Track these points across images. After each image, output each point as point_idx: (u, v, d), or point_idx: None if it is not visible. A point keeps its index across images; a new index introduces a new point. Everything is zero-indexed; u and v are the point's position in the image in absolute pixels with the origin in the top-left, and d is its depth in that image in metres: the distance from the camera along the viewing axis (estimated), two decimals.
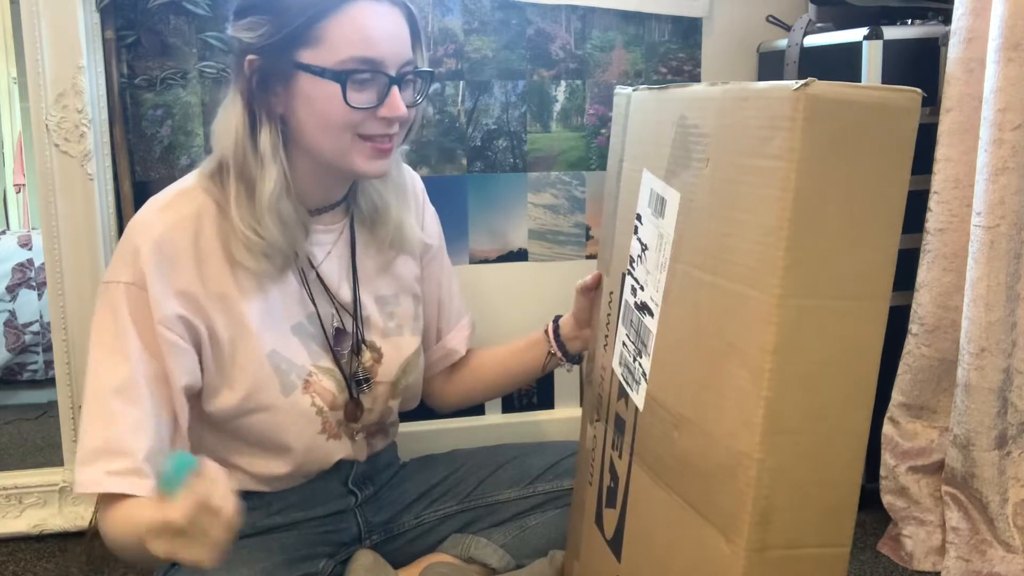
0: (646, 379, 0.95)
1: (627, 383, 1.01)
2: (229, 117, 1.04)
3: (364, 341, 1.16)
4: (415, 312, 1.24)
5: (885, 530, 1.51)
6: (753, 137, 0.78)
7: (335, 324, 1.14)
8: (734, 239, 0.81)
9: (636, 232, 1.00)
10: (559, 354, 1.26)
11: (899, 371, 1.49)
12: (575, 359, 1.27)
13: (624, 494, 1.02)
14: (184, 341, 1.02)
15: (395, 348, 1.20)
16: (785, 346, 0.76)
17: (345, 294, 1.15)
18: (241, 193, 1.02)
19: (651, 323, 0.94)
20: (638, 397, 0.97)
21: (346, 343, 1.15)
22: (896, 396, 1.50)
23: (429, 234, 1.26)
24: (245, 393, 1.06)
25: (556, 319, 1.26)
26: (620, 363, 1.03)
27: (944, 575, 1.39)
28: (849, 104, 0.74)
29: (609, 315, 1.09)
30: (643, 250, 0.97)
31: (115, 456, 0.97)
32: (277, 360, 1.07)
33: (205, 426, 1.09)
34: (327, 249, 1.13)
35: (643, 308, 0.97)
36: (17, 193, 2.41)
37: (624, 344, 1.03)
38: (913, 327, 1.47)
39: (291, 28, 0.98)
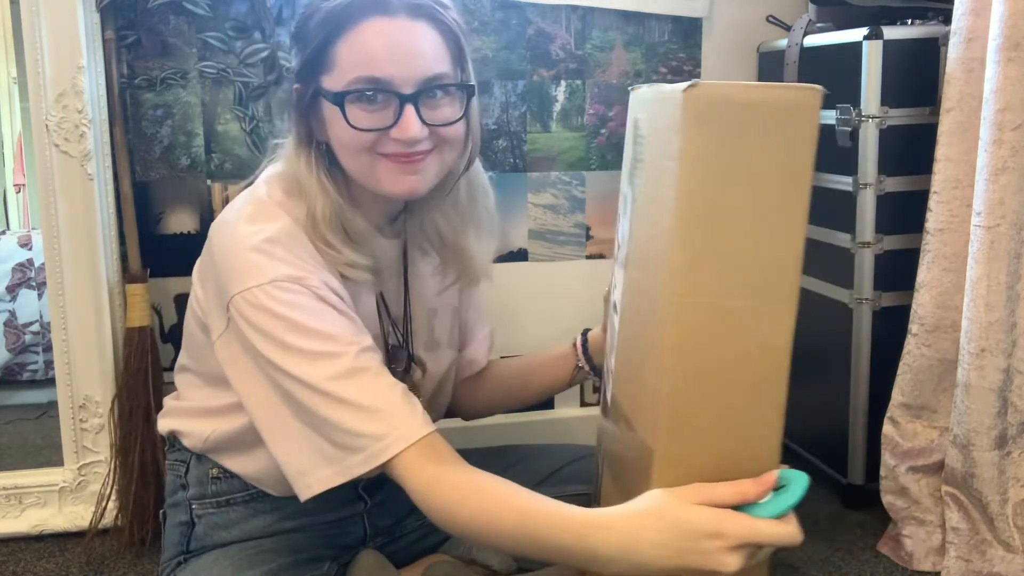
0: (612, 378, 0.98)
1: (606, 381, 1.03)
2: (290, 141, 1.03)
3: (413, 357, 1.15)
4: (452, 325, 1.24)
5: (885, 530, 1.51)
6: (664, 138, 0.80)
7: (391, 341, 1.13)
8: (654, 240, 0.82)
9: (618, 233, 1.03)
10: (587, 368, 1.24)
11: (899, 371, 1.49)
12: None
13: (599, 489, 1.05)
14: (348, 308, 0.98)
15: (435, 361, 1.19)
16: (685, 344, 0.77)
17: (397, 310, 1.14)
18: (313, 214, 1.00)
19: (617, 322, 0.96)
20: (609, 395, 1.00)
21: (401, 360, 1.14)
22: (896, 396, 1.50)
23: None
24: None
25: (584, 332, 1.25)
26: (607, 361, 1.07)
27: (944, 575, 1.39)
28: (737, 104, 0.75)
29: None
30: (617, 250, 1.00)
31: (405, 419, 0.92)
32: None
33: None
34: (386, 266, 1.12)
35: (616, 307, 0.99)
36: (17, 193, 2.41)
37: (608, 343, 1.05)
38: (913, 327, 1.47)
39: (310, 54, 0.98)
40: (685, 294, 0.77)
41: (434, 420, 1.18)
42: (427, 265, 1.17)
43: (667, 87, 0.80)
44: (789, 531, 0.77)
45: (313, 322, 0.93)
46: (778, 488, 0.79)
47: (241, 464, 1.10)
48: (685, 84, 0.75)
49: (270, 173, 1.06)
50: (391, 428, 0.91)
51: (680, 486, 0.78)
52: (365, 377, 0.93)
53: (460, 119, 1.00)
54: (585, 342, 1.25)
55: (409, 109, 0.95)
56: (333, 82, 0.97)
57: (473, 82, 1.02)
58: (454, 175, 1.07)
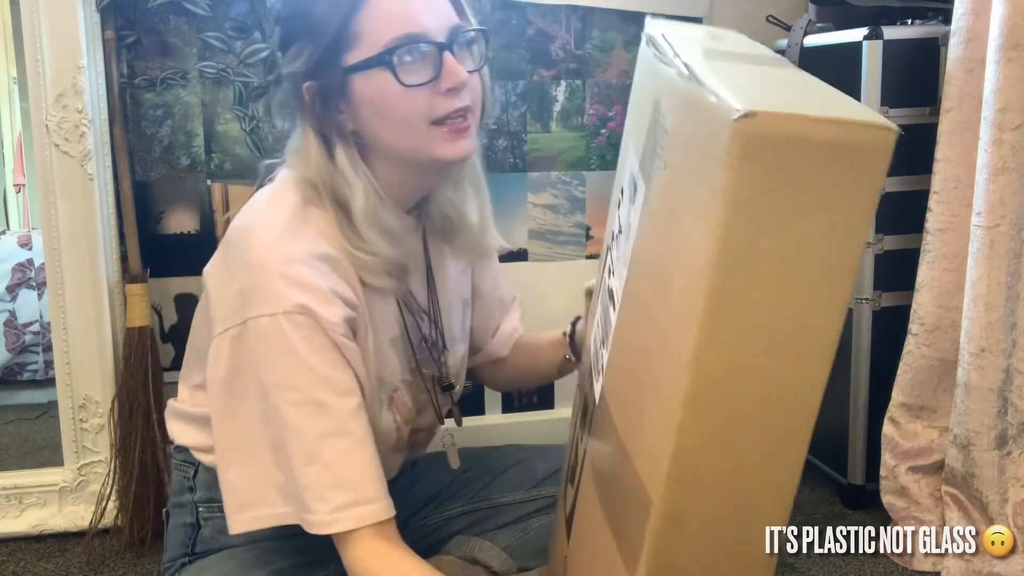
0: (603, 373, 0.89)
1: (594, 367, 0.96)
2: (306, 146, 1.01)
3: (446, 347, 1.16)
4: (464, 315, 1.23)
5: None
6: (698, 153, 0.68)
7: (419, 333, 1.12)
8: (673, 264, 0.71)
9: (619, 207, 0.92)
10: (574, 359, 1.23)
11: (899, 371, 1.49)
12: None
13: (579, 474, 0.98)
14: (352, 340, 0.98)
15: (457, 351, 1.20)
16: (699, 400, 0.68)
17: (423, 300, 1.13)
18: (342, 217, 0.99)
19: (612, 316, 0.88)
20: (597, 388, 0.92)
21: (435, 351, 1.15)
22: (896, 396, 1.50)
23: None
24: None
25: (575, 321, 1.22)
26: (594, 342, 0.98)
27: (944, 575, 1.39)
28: (800, 142, 0.63)
29: (599, 285, 1.02)
30: (619, 232, 0.90)
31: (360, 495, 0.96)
32: (378, 378, 1.07)
33: None
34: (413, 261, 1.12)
35: (611, 295, 0.90)
36: (17, 193, 2.41)
37: (597, 324, 0.96)
38: (913, 327, 1.47)
39: (329, 38, 0.96)
40: (705, 346, 0.67)
41: (451, 402, 1.20)
42: (443, 256, 1.16)
43: (707, 84, 0.66)
44: None
45: (317, 362, 0.93)
46: None
47: None
48: (735, 106, 0.61)
49: (288, 178, 1.04)
50: (354, 502, 0.94)
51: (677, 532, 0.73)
52: (349, 442, 0.94)
53: (483, 64, 1.02)
54: (574, 333, 1.23)
55: (448, 56, 0.96)
56: (364, 53, 0.95)
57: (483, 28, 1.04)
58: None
